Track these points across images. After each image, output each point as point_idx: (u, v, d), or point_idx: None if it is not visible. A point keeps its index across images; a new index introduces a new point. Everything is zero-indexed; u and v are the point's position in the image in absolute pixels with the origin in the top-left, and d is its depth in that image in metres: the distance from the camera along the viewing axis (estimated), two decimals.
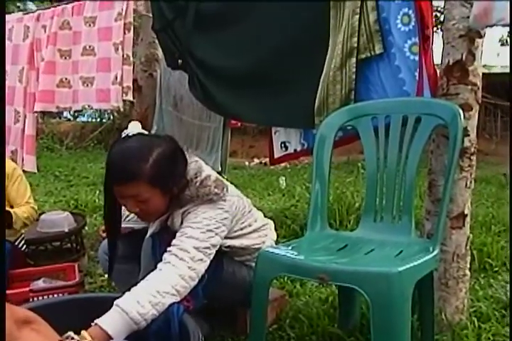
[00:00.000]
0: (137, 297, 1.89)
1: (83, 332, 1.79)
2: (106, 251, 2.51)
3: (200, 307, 2.19)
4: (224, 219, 2.18)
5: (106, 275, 3.34)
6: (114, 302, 1.88)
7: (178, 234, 2.11)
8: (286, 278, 3.06)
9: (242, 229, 2.38)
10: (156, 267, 2.03)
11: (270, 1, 2.96)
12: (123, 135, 2.31)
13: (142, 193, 2.09)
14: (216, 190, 2.16)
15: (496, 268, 3.45)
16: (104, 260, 2.56)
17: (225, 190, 2.20)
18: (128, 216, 2.48)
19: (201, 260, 2.06)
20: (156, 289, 1.92)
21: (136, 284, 1.96)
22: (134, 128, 2.41)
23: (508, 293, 2.96)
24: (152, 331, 1.90)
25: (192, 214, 2.16)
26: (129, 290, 1.94)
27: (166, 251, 2.07)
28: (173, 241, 2.09)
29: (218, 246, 2.17)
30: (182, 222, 2.18)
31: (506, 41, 13.84)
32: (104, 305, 1.90)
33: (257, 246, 2.40)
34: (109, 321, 1.84)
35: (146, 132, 2.40)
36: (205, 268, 2.08)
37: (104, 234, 2.46)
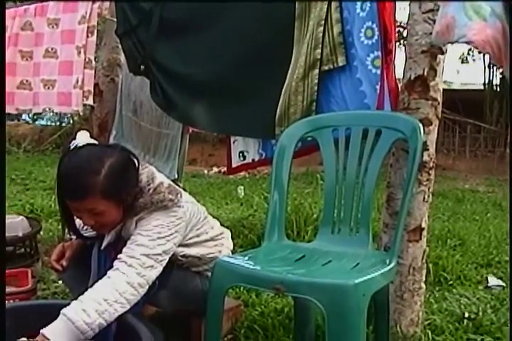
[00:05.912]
0: (84, 305, 1.86)
1: None
2: None
3: (154, 314, 2.15)
4: (177, 226, 2.13)
5: (60, 282, 3.28)
6: (61, 311, 1.84)
7: (128, 242, 2.08)
8: (242, 288, 3.04)
9: (198, 235, 2.33)
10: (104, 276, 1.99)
11: (236, 9, 2.96)
12: (71, 146, 2.23)
13: (97, 207, 2.03)
14: (170, 196, 2.11)
15: (451, 282, 3.48)
16: None
17: (179, 195, 2.15)
18: (84, 226, 2.42)
19: (152, 266, 2.02)
20: (103, 297, 1.88)
21: (84, 292, 1.92)
22: (83, 138, 2.31)
23: (463, 307, 2.99)
24: None
25: (144, 220, 2.11)
26: (76, 298, 1.90)
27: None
28: (124, 249, 2.05)
29: (171, 253, 2.12)
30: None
31: (466, 58, 14.16)
32: (57, 312, 1.86)
33: (212, 256, 2.36)
34: (55, 330, 1.81)
35: (95, 142, 2.32)
36: (156, 275, 2.04)
37: (56, 265, 2.33)
